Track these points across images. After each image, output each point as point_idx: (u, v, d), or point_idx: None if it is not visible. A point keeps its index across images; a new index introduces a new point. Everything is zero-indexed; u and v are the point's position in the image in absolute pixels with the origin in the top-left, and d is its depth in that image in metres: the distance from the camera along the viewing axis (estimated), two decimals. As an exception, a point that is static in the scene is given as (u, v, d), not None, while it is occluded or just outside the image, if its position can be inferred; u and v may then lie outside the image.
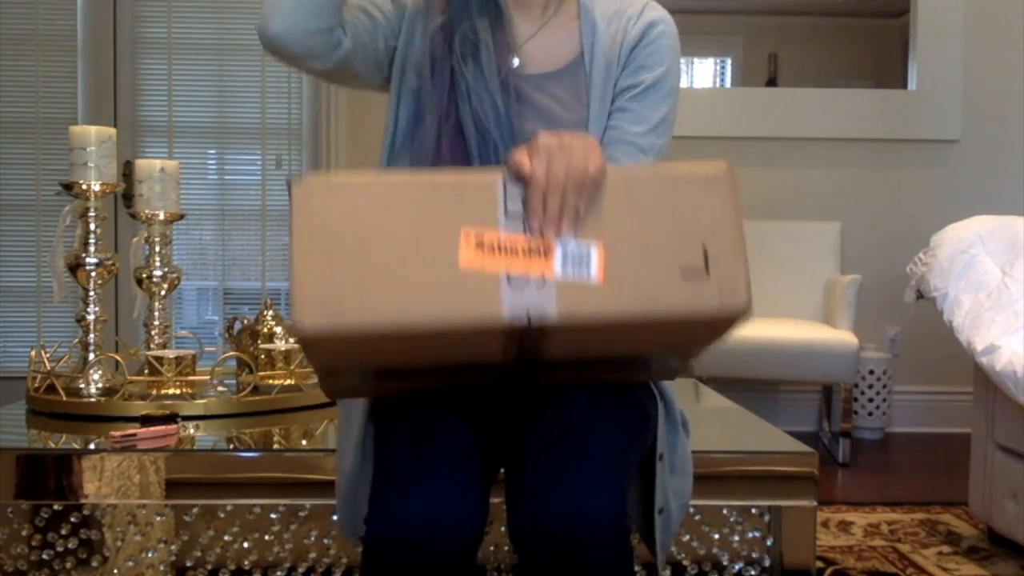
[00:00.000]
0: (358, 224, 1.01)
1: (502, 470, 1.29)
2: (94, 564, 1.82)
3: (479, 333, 1.02)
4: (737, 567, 1.82)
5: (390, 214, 1.01)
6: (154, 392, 2.21)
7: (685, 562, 1.82)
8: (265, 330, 2.40)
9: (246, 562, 1.82)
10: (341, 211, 1.01)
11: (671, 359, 1.22)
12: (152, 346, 2.44)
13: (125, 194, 3.71)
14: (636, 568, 1.72)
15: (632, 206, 1.05)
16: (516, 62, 1.42)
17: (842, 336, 3.61)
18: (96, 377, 2.26)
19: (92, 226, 2.34)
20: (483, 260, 1.01)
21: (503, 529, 1.79)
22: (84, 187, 2.31)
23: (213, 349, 2.97)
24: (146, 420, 2.05)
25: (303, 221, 1.00)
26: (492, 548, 1.80)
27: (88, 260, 2.33)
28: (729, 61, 7.16)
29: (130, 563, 1.82)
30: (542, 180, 1.04)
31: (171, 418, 2.06)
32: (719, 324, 1.06)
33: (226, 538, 1.82)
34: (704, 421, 2.18)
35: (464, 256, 1.01)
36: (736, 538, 1.82)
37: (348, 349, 1.03)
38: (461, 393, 1.26)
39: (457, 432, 1.20)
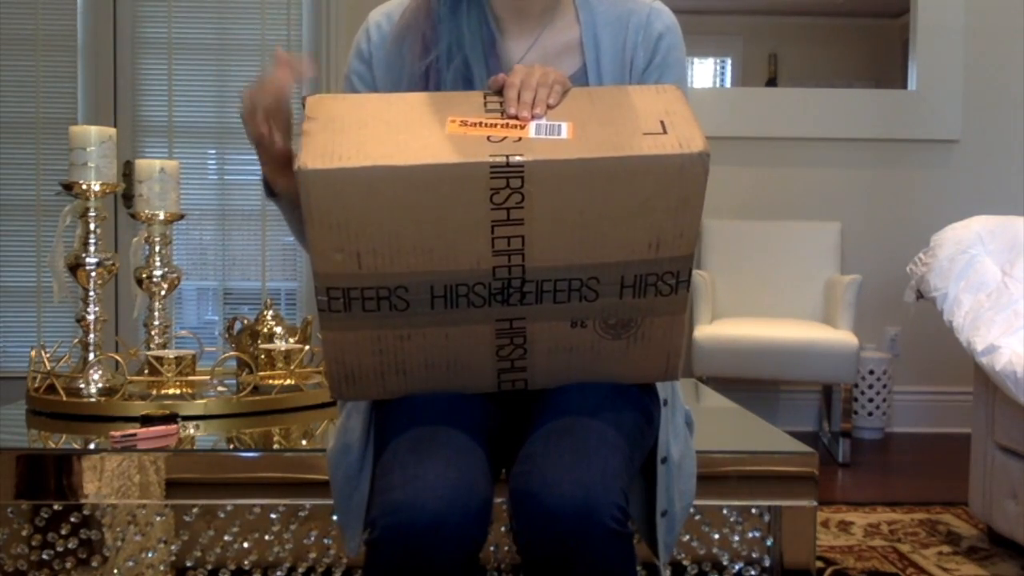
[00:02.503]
0: (360, 114, 1.17)
1: (503, 470, 1.30)
2: (94, 564, 1.82)
3: (463, 190, 1.10)
4: (737, 567, 1.82)
5: (388, 110, 1.19)
6: (154, 392, 2.21)
7: (685, 562, 1.82)
8: (265, 330, 2.40)
9: (246, 562, 1.82)
10: (346, 107, 1.19)
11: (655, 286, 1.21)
12: (152, 346, 2.44)
13: (125, 194, 3.71)
14: (637, 568, 1.72)
15: (595, 104, 1.20)
16: None
17: (842, 336, 3.62)
18: (96, 377, 2.26)
19: (92, 226, 2.34)
20: (466, 130, 1.15)
21: (503, 529, 1.79)
22: (84, 187, 2.31)
23: (213, 349, 2.97)
24: (146, 420, 2.05)
25: (312, 114, 1.17)
26: (492, 548, 1.80)
27: (88, 260, 2.33)
28: (729, 61, 7.17)
29: (130, 563, 1.82)
30: (517, 82, 1.19)
31: (171, 418, 2.06)
32: (682, 173, 1.12)
33: (226, 538, 1.82)
34: (704, 421, 2.17)
35: (449, 128, 1.15)
36: (736, 538, 1.82)
37: (343, 201, 1.10)
38: (465, 396, 1.26)
39: (462, 432, 1.20)
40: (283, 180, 1.29)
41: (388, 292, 1.16)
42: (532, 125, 1.15)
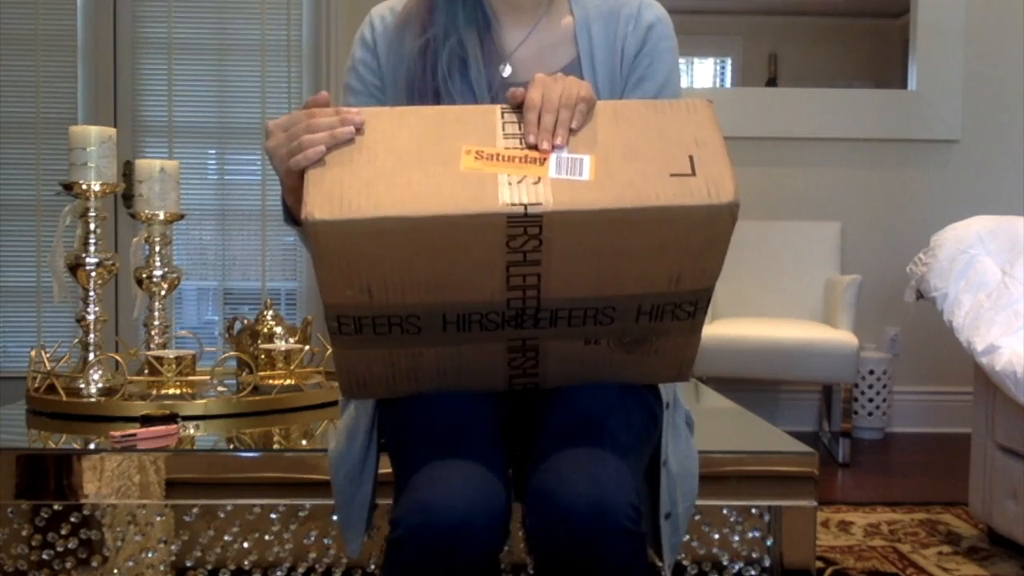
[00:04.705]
0: (368, 141, 1.11)
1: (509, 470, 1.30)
2: (94, 564, 1.82)
3: (478, 237, 1.06)
4: (737, 567, 1.82)
5: (399, 133, 1.11)
6: (154, 392, 2.21)
7: (685, 562, 1.82)
8: (265, 330, 2.39)
9: (246, 562, 1.82)
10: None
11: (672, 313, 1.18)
12: (152, 346, 2.44)
13: (125, 194, 3.71)
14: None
15: (620, 128, 1.12)
16: (508, 71, 1.40)
17: (842, 336, 3.61)
18: (96, 377, 2.26)
19: (92, 226, 2.34)
20: (482, 166, 1.08)
21: (503, 529, 1.79)
22: (84, 187, 2.31)
23: (213, 349, 2.97)
24: (146, 420, 2.05)
25: None
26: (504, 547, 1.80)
27: (88, 260, 2.33)
28: (729, 61, 7.16)
29: (130, 563, 1.82)
30: (537, 102, 1.12)
31: (171, 418, 2.06)
32: (710, 222, 1.08)
33: (226, 538, 1.82)
34: (704, 421, 2.17)
35: (464, 163, 1.08)
36: (736, 538, 1.82)
37: (354, 248, 1.06)
38: (477, 395, 1.26)
39: (482, 431, 1.21)
40: None
41: (400, 320, 1.14)
42: (552, 159, 1.09)
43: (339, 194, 1.06)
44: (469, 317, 1.14)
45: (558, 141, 1.10)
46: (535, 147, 1.10)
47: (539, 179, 1.07)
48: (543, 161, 1.09)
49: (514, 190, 1.06)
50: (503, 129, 1.13)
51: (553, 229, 1.06)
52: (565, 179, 1.07)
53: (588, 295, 1.13)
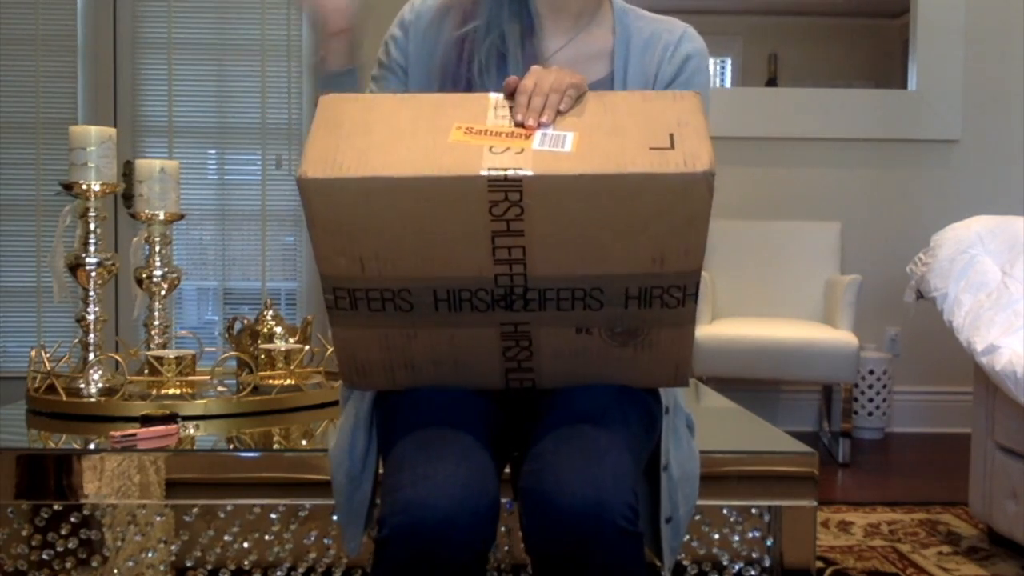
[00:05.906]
0: (367, 118, 1.17)
1: (506, 469, 1.30)
2: (94, 564, 1.82)
3: (461, 201, 1.10)
4: (737, 567, 1.82)
5: (397, 113, 1.18)
6: (154, 392, 2.21)
7: (685, 562, 1.82)
8: (265, 330, 2.40)
9: (246, 562, 1.82)
10: (355, 111, 1.19)
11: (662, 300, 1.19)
12: (152, 346, 2.44)
13: (125, 194, 3.71)
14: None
15: (607, 111, 1.18)
16: None
17: (842, 336, 3.61)
18: (96, 377, 2.26)
19: (92, 226, 2.34)
20: (470, 139, 1.14)
21: (503, 529, 1.79)
22: (84, 187, 2.31)
23: (213, 349, 2.97)
24: (146, 420, 2.05)
25: (322, 115, 1.18)
26: (491, 548, 1.80)
27: (88, 260, 2.33)
28: (729, 61, 7.16)
29: (130, 563, 1.82)
30: (530, 87, 1.18)
31: (171, 418, 2.06)
32: (685, 192, 1.10)
33: (226, 538, 1.82)
34: (704, 421, 2.17)
35: (453, 136, 1.14)
36: (736, 538, 1.82)
37: (343, 209, 1.12)
38: (468, 394, 1.26)
39: (468, 430, 1.20)
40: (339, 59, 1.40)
41: (392, 295, 1.17)
42: (537, 135, 1.13)
43: (333, 157, 1.12)
44: (459, 295, 1.17)
45: (544, 119, 1.14)
46: (522, 125, 1.14)
47: (522, 149, 1.12)
48: (528, 136, 1.14)
49: (497, 158, 1.10)
50: (495, 111, 1.19)
51: (533, 195, 1.09)
52: (547, 150, 1.12)
53: (573, 273, 1.15)
